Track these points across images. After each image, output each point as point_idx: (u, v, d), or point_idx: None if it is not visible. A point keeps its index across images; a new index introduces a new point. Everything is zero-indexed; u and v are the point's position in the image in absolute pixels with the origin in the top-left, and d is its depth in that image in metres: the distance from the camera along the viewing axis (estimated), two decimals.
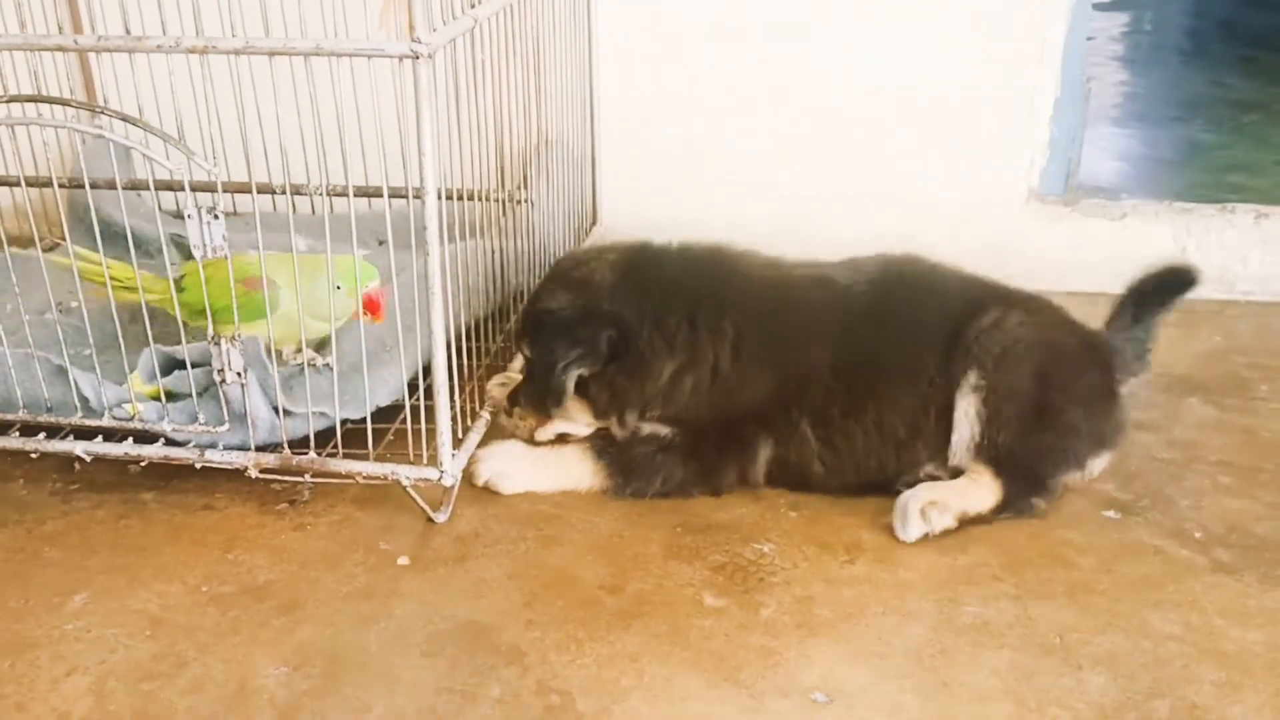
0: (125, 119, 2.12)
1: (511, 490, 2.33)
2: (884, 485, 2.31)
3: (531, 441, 2.45)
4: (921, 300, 2.39)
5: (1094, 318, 2.54)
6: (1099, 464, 2.37)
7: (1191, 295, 3.33)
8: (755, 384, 2.31)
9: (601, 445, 2.38)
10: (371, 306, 2.28)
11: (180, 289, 2.31)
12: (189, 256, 2.34)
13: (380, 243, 3.10)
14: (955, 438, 2.28)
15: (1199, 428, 2.64)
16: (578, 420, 2.41)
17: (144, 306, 2.24)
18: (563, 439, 2.44)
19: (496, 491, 2.33)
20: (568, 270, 2.43)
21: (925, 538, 2.20)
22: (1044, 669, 1.88)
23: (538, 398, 2.35)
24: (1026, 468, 2.26)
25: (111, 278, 2.30)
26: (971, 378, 2.27)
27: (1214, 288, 3.35)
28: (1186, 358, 2.97)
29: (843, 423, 2.31)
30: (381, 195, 2.10)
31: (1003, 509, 2.25)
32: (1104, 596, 2.06)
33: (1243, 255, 3.34)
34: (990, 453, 2.25)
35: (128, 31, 2.11)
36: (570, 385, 2.30)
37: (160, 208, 2.70)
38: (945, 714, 1.78)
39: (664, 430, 2.35)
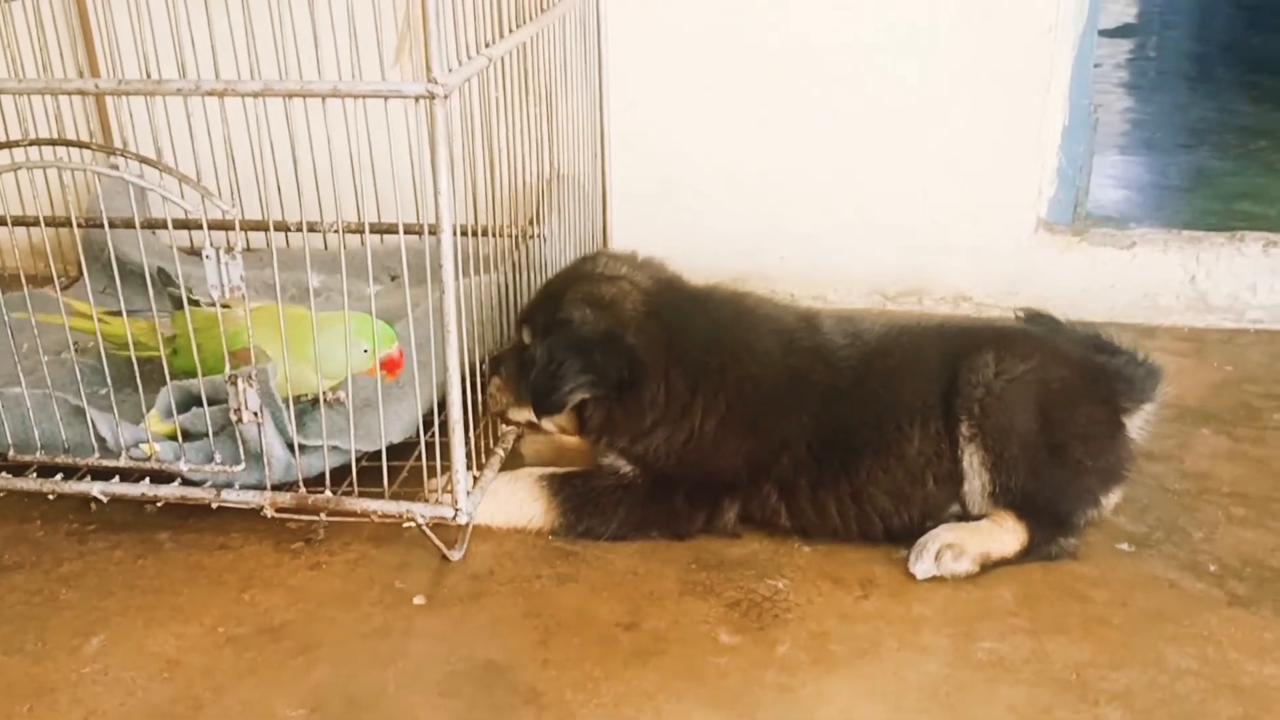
0: (143, 160, 2.15)
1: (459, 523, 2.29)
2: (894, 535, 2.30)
3: (504, 418, 2.45)
4: (914, 366, 2.36)
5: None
6: (1113, 499, 2.36)
7: (1202, 324, 3.36)
8: (728, 452, 2.31)
9: (561, 480, 2.36)
10: (390, 367, 2.29)
11: (173, 350, 2.33)
12: (179, 306, 2.35)
13: (393, 278, 3.12)
14: (967, 488, 2.27)
15: (1211, 458, 2.64)
16: (554, 422, 2.40)
17: (134, 360, 2.24)
18: (534, 427, 2.43)
19: None
20: (598, 281, 2.38)
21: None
22: (1061, 705, 1.88)
23: (532, 397, 2.33)
24: (1047, 507, 2.25)
25: (103, 335, 2.32)
26: (964, 428, 2.26)
27: (1224, 316, 3.36)
28: (1197, 387, 2.97)
29: (811, 493, 2.30)
30: (395, 231, 2.12)
31: (1029, 552, 2.24)
32: (1119, 631, 2.06)
33: (1252, 283, 3.35)
34: (1007, 498, 2.24)
35: (147, 75, 2.14)
36: (570, 404, 2.31)
37: (175, 246, 2.71)
38: None
39: (626, 468, 2.34)
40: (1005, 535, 2.23)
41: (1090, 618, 2.10)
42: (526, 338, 2.39)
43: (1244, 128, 5.05)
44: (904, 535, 2.28)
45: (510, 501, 2.35)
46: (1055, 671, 1.96)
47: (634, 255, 2.50)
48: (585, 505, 2.33)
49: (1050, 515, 2.25)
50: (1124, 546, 2.31)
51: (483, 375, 2.40)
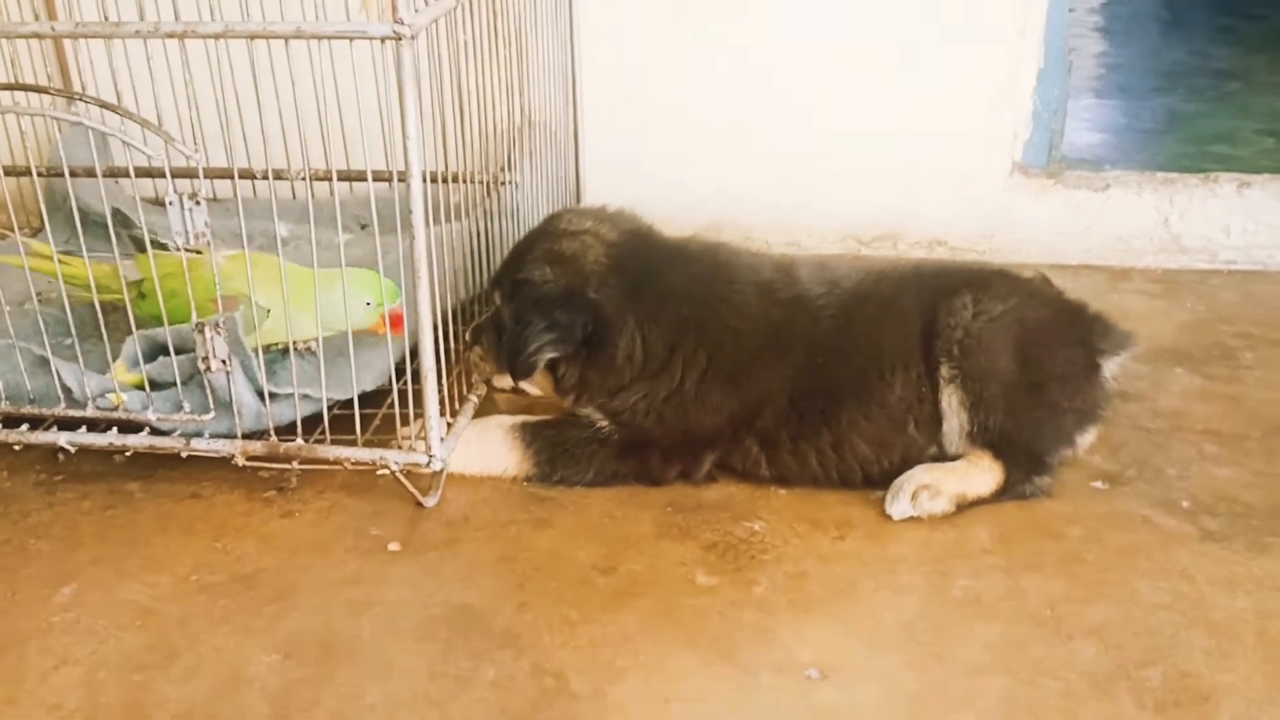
0: (104, 105, 2.10)
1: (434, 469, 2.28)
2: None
3: (489, 385, 2.45)
4: (893, 312, 2.35)
5: (1079, 290, 2.55)
6: (1087, 438, 2.37)
7: (1175, 265, 3.37)
8: (710, 408, 2.29)
9: (535, 430, 2.35)
10: (396, 323, 2.25)
11: (139, 294, 2.30)
12: (141, 249, 2.31)
13: (363, 226, 3.08)
14: (945, 428, 2.28)
15: (1185, 397, 2.65)
16: (536, 385, 2.40)
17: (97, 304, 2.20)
18: (519, 392, 2.43)
19: None
20: (559, 237, 2.36)
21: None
22: (1036, 640, 1.89)
23: (505, 360, 2.33)
24: (1024, 446, 2.26)
25: (65, 276, 2.27)
26: (944, 370, 2.26)
27: (1197, 258, 3.37)
28: (1171, 328, 2.98)
29: (793, 444, 2.29)
30: (364, 179, 2.09)
31: (1005, 491, 2.25)
32: (1093, 567, 2.07)
33: (1225, 224, 3.35)
34: (985, 437, 2.24)
35: (105, 18, 2.09)
36: (540, 364, 2.30)
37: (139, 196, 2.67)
38: (939, 687, 1.79)
39: (603, 422, 2.32)
40: (981, 475, 2.24)
41: (1065, 555, 2.11)
42: (499, 301, 2.38)
43: (1217, 70, 5.05)
44: (883, 480, 2.28)
45: (484, 451, 2.34)
46: (1030, 608, 1.97)
47: (603, 209, 2.47)
48: (560, 455, 2.32)
49: (1026, 454, 2.26)
50: (1098, 484, 2.32)
51: (456, 323, 2.38)
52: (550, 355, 2.28)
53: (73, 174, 2.20)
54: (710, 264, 2.40)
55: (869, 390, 2.29)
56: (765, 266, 2.44)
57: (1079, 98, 4.42)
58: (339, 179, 2.36)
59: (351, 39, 2.01)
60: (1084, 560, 2.09)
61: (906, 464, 2.28)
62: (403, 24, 1.91)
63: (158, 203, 2.97)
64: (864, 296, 2.38)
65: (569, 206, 2.67)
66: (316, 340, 2.28)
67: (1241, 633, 1.91)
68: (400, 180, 2.01)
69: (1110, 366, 2.40)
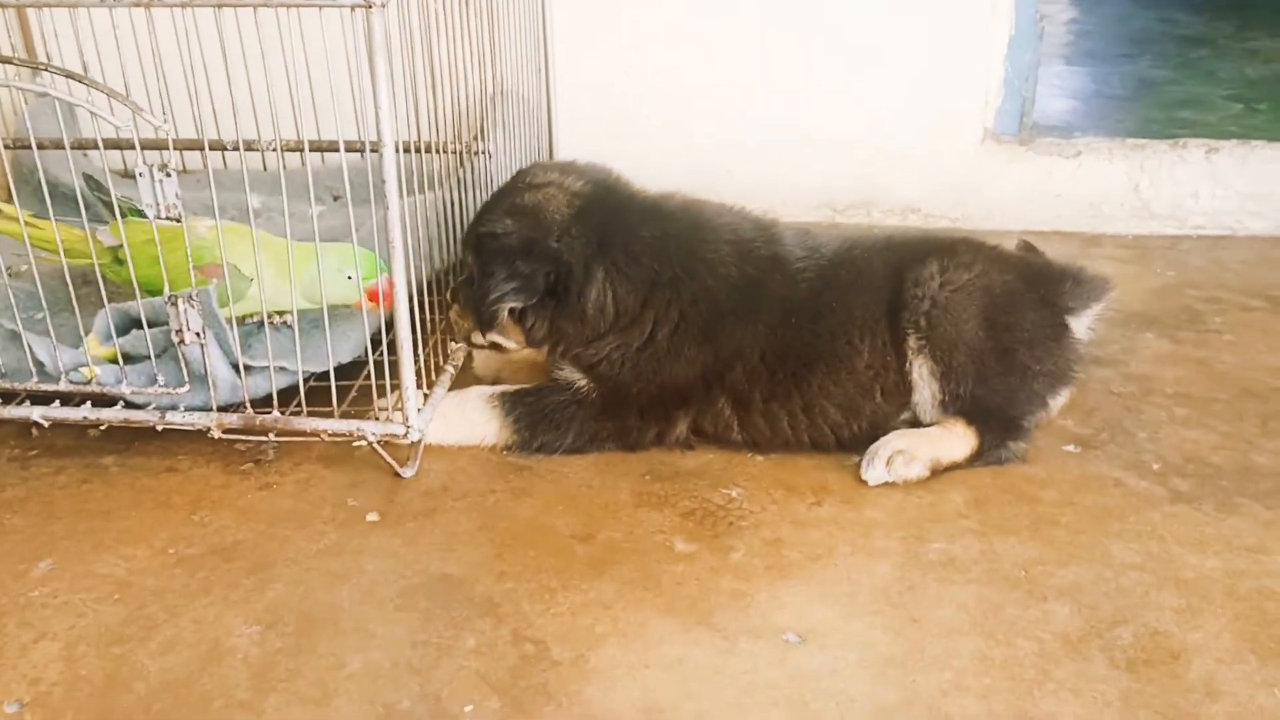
0: (70, 76, 2.07)
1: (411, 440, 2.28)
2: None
3: (470, 343, 2.44)
4: (864, 280, 2.36)
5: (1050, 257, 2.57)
6: (1060, 400, 2.39)
7: (1145, 231, 3.40)
8: (683, 360, 2.30)
9: (514, 398, 2.35)
10: (375, 298, 2.24)
11: (118, 260, 2.28)
12: (116, 215, 2.29)
13: (335, 198, 3.06)
14: (917, 398, 2.30)
15: (1155, 361, 2.68)
16: (510, 339, 2.39)
17: (65, 268, 2.17)
18: (496, 348, 2.42)
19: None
20: (522, 190, 2.36)
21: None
22: (1010, 602, 1.92)
23: (474, 314, 2.33)
24: (997, 412, 2.28)
25: (31, 240, 2.25)
26: (912, 341, 2.28)
27: (1166, 223, 3.40)
28: (1141, 293, 3.01)
29: (764, 406, 2.31)
30: (335, 150, 2.07)
31: (979, 456, 2.27)
32: (1066, 529, 2.10)
33: (1194, 190, 3.38)
34: (957, 405, 2.27)
35: None
36: (502, 316, 2.30)
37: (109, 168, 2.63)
38: (915, 649, 1.81)
39: (581, 381, 2.33)
40: (955, 441, 2.26)
41: (1038, 518, 2.13)
42: (470, 260, 2.37)
43: (1184, 37, 5.08)
44: (854, 445, 2.30)
45: (463, 421, 2.34)
46: (1005, 570, 1.99)
47: (572, 162, 2.46)
48: (539, 422, 2.32)
49: (1000, 420, 2.28)
50: (1071, 448, 2.35)
51: (431, 293, 2.37)
52: (513, 304, 2.28)
53: (40, 146, 2.17)
54: (689, 219, 2.40)
55: (839, 356, 2.31)
56: (746, 226, 2.44)
57: (1049, 64, 4.44)
58: (311, 150, 2.35)
59: (321, 7, 1.99)
60: (1057, 523, 2.12)
61: (875, 430, 2.30)
62: None
63: (126, 175, 2.95)
64: (840, 263, 2.39)
65: (539, 161, 2.66)
66: (294, 313, 2.26)
67: (1211, 591, 1.94)
68: (373, 151, 2.00)
69: (1084, 320, 2.42)
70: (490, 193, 2.68)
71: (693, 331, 2.29)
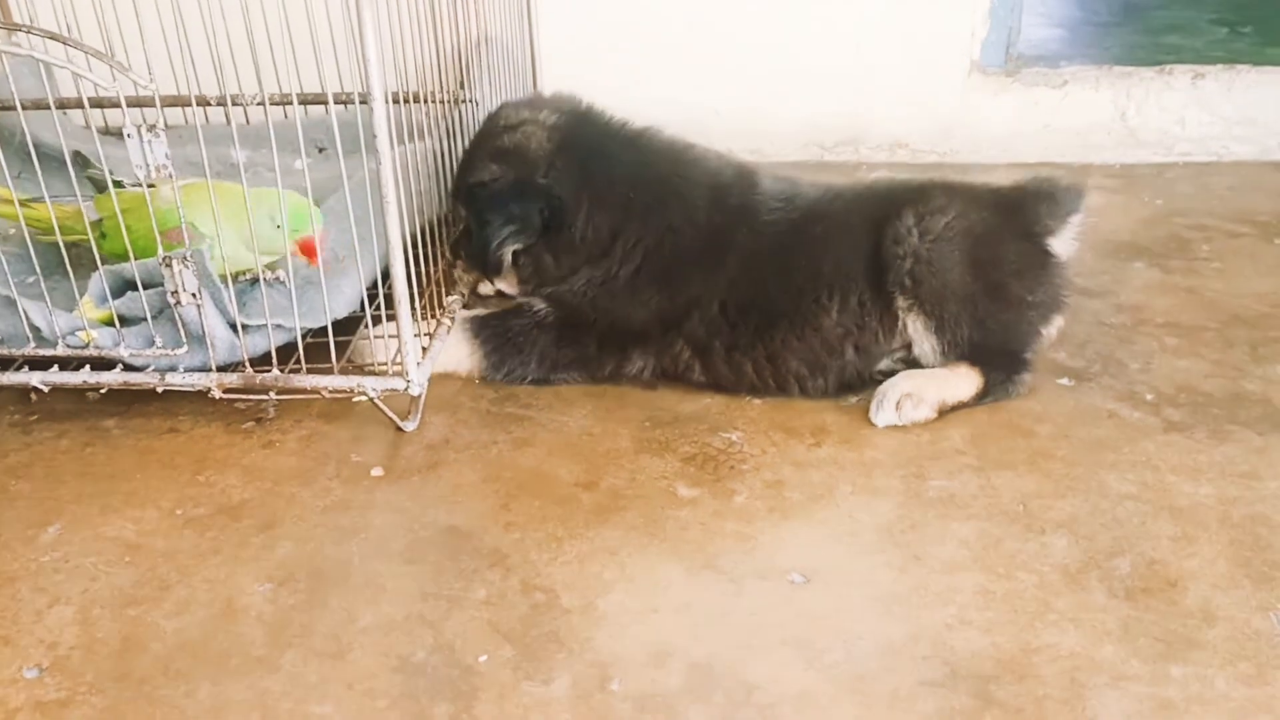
0: (49, 36, 2.04)
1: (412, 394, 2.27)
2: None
3: (475, 295, 2.49)
4: (838, 235, 2.35)
5: None
6: (1054, 328, 2.40)
7: (1132, 160, 3.40)
8: (638, 302, 2.32)
9: (482, 321, 2.39)
10: (308, 251, 2.20)
11: (101, 234, 2.26)
12: (101, 189, 2.27)
13: (320, 150, 3.04)
14: (917, 352, 2.31)
15: (1145, 291, 2.70)
16: (512, 283, 2.42)
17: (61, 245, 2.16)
18: (502, 296, 2.47)
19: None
20: (500, 133, 2.36)
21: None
22: (1009, 536, 1.95)
23: (477, 264, 2.38)
24: (998, 350, 2.29)
25: (27, 219, 2.23)
26: (900, 301, 2.28)
27: (1153, 151, 3.41)
28: (1129, 223, 3.02)
29: (726, 354, 2.32)
30: (324, 102, 2.05)
31: (985, 395, 2.29)
32: (1062, 462, 2.13)
33: (1181, 117, 3.39)
34: (958, 351, 2.28)
35: None
36: (507, 259, 2.34)
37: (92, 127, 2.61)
38: (918, 585, 1.85)
39: (540, 306, 2.36)
40: (961, 381, 2.28)
41: (1035, 452, 2.16)
42: (462, 212, 2.39)
43: None
44: (823, 396, 2.32)
45: (444, 349, 2.35)
46: (1003, 504, 2.02)
47: (539, 96, 2.49)
48: (504, 346, 2.36)
49: (1001, 357, 2.30)
50: (1065, 381, 2.37)
51: (424, 245, 2.37)
52: (515, 247, 2.32)
53: (23, 107, 2.14)
54: (669, 159, 2.40)
55: (804, 314, 2.31)
56: (726, 171, 2.44)
57: None
58: (299, 103, 2.32)
59: None
60: (1053, 456, 2.15)
61: (844, 388, 2.32)
62: None
63: (110, 133, 2.91)
64: (815, 217, 2.37)
65: (505, 101, 2.65)
66: (274, 267, 2.25)
67: (1205, 519, 1.97)
68: (362, 103, 1.98)
69: (1066, 235, 2.38)
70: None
71: (653, 274, 2.31)
